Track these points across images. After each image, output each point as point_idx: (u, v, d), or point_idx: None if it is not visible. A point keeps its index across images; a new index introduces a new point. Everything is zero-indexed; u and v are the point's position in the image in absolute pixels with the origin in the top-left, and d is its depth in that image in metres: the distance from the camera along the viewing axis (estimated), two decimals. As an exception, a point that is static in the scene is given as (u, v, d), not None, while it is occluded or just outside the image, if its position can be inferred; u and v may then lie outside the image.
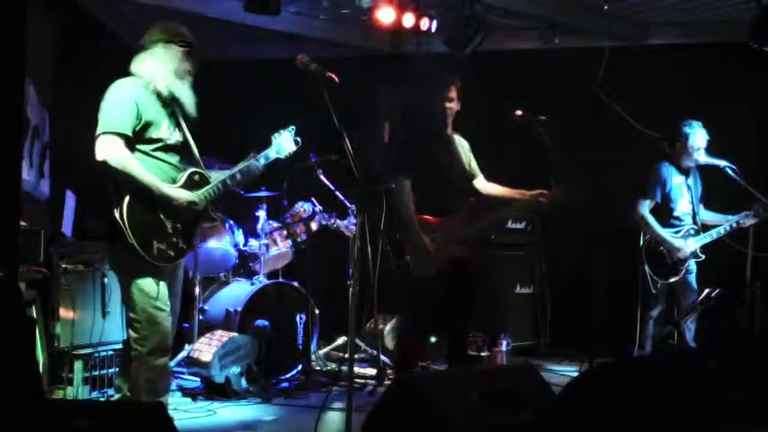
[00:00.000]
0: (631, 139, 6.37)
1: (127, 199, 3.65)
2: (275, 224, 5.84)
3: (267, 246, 5.76)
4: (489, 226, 4.95)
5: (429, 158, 4.76)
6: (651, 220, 5.64)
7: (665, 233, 5.62)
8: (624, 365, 3.48)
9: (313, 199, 5.83)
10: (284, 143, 4.11)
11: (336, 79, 3.75)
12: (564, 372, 5.97)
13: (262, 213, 5.80)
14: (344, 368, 4.87)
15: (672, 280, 5.63)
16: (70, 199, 5.10)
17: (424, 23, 6.35)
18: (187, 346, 5.30)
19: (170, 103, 3.85)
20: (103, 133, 3.67)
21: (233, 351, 5.05)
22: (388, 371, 5.62)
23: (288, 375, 5.48)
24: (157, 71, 3.80)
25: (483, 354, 6.17)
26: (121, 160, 3.66)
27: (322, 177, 5.83)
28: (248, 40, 6.94)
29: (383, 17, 6.25)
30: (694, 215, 5.72)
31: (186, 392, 5.04)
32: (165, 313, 3.77)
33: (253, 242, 5.77)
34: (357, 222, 4.09)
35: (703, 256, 5.67)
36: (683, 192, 5.70)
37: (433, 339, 6.16)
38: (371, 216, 4.94)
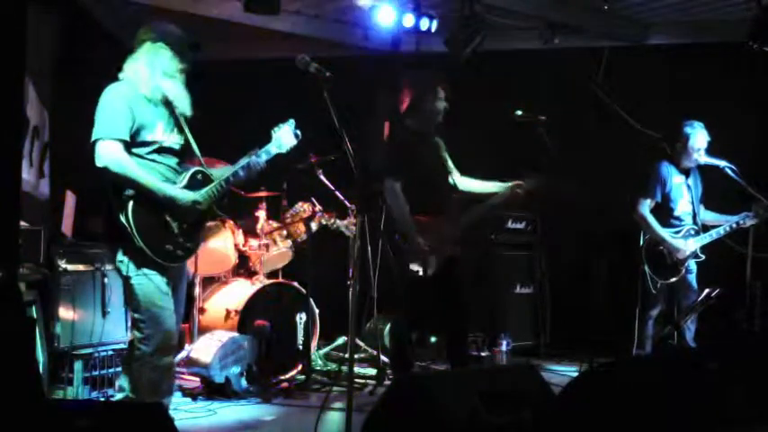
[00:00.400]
0: (631, 139, 6.39)
1: (131, 203, 3.65)
2: (275, 224, 5.84)
3: (267, 246, 5.76)
4: (476, 222, 4.94)
5: (417, 159, 4.77)
6: (651, 219, 5.64)
7: (666, 233, 5.62)
8: (624, 365, 3.48)
9: (313, 199, 5.82)
10: (284, 137, 4.09)
11: (336, 79, 3.75)
12: (564, 372, 5.97)
13: (262, 213, 5.80)
14: (344, 368, 4.87)
15: (672, 280, 5.62)
16: (70, 199, 5.09)
17: (424, 23, 6.35)
18: (187, 346, 5.30)
19: (164, 105, 3.85)
20: (101, 139, 3.67)
21: (233, 351, 5.05)
22: (388, 371, 5.62)
23: (288, 375, 5.48)
24: (142, 74, 3.79)
25: (483, 354, 6.17)
26: (122, 165, 3.65)
27: (322, 177, 5.83)
28: (248, 40, 6.94)
29: (383, 17, 6.26)
30: (694, 215, 5.71)
31: (186, 392, 5.04)
32: (169, 312, 3.78)
33: (253, 242, 5.77)
34: (357, 222, 4.08)
35: (703, 257, 5.67)
36: (683, 192, 5.70)
37: (432, 339, 6.16)
38: (371, 216, 4.94)
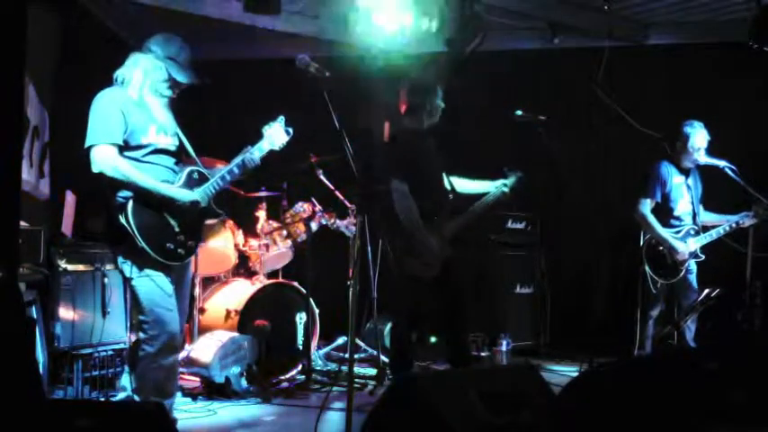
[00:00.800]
0: (631, 138, 6.38)
1: (130, 204, 3.67)
2: (275, 224, 5.84)
3: (267, 246, 5.76)
4: (472, 222, 4.95)
5: (418, 160, 4.76)
6: (652, 219, 5.64)
7: (666, 233, 5.62)
8: (624, 365, 3.48)
9: (313, 199, 5.82)
10: (275, 134, 4.12)
11: (336, 79, 3.76)
12: (564, 372, 5.97)
13: (262, 213, 5.80)
14: (344, 368, 4.87)
15: (672, 280, 5.62)
16: (70, 199, 5.09)
17: (424, 23, 6.34)
18: (187, 346, 5.30)
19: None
20: (95, 145, 3.71)
21: (233, 351, 5.05)
22: (388, 371, 5.62)
23: (288, 375, 5.48)
24: (135, 80, 3.82)
25: (483, 354, 6.17)
26: (118, 168, 3.70)
27: (322, 177, 5.83)
28: (248, 40, 6.93)
29: (383, 17, 6.24)
30: (694, 215, 5.72)
31: (186, 392, 5.03)
32: (172, 313, 3.79)
33: (253, 242, 5.77)
34: (357, 222, 4.08)
35: (703, 257, 5.67)
36: (683, 192, 5.70)
37: (432, 339, 6.16)
38: (371, 216, 4.93)
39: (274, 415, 4.71)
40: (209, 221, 5.14)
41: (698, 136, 5.63)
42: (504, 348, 6.10)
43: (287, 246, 5.85)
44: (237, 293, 5.59)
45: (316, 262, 5.56)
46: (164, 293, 3.77)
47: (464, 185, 5.03)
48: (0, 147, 3.31)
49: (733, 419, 3.03)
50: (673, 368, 3.22)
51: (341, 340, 6.24)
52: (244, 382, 5.07)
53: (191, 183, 3.90)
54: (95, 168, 3.71)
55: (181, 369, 5.13)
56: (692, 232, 5.68)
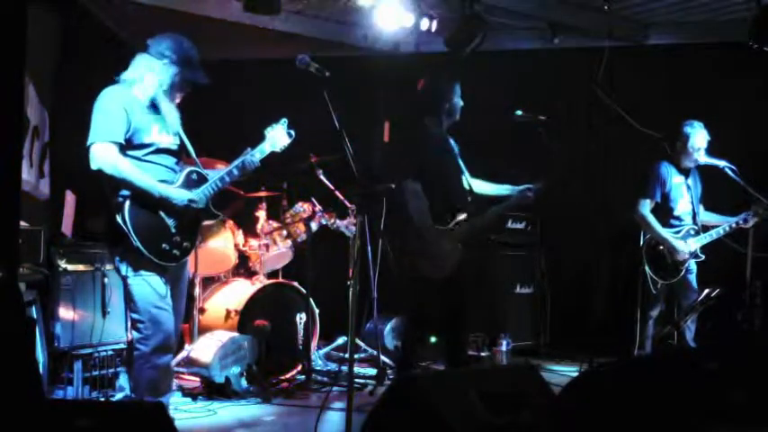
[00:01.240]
0: (631, 138, 6.38)
1: (127, 203, 3.68)
2: (275, 224, 5.84)
3: (267, 246, 5.77)
4: (489, 225, 4.93)
5: (436, 160, 4.73)
6: (652, 219, 5.63)
7: (666, 233, 5.62)
8: (624, 365, 3.48)
9: (313, 199, 5.82)
10: (277, 136, 4.12)
11: (336, 79, 3.76)
12: (564, 372, 5.97)
13: (262, 213, 5.80)
14: (344, 368, 4.87)
15: (672, 280, 5.62)
16: (70, 199, 5.09)
17: (424, 23, 6.34)
18: (187, 346, 5.30)
19: (157, 107, 3.87)
20: (95, 143, 3.70)
21: (233, 351, 5.05)
22: (388, 371, 5.62)
23: (288, 375, 5.48)
24: (147, 81, 3.82)
25: (483, 354, 6.17)
26: (117, 166, 3.69)
27: (322, 177, 5.83)
28: (248, 40, 6.93)
29: (383, 17, 6.25)
30: (694, 215, 5.71)
31: (186, 392, 5.04)
32: (167, 313, 3.79)
33: (253, 242, 5.77)
34: (357, 222, 4.08)
35: (703, 257, 5.66)
36: (682, 192, 5.70)
37: (432, 339, 6.16)
38: (372, 216, 4.93)
39: (274, 415, 4.71)
40: (206, 222, 5.16)
41: (698, 136, 5.63)
42: (504, 348, 6.10)
43: (287, 246, 5.85)
44: (237, 293, 5.59)
45: (316, 262, 5.56)
46: (158, 294, 3.77)
47: (484, 187, 4.99)
48: (0, 147, 3.31)
49: (733, 419, 3.03)
50: (673, 368, 3.22)
51: (341, 340, 6.24)
52: (244, 382, 5.07)
53: (189, 183, 3.90)
54: (94, 165, 3.71)
55: (181, 369, 5.15)
56: (692, 232, 5.68)
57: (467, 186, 4.90)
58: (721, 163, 5.59)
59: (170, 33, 3.94)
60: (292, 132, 4.16)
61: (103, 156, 3.69)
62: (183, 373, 5.21)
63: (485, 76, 6.61)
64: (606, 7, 6.31)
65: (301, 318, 5.56)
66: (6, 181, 3.34)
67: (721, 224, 5.68)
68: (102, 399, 4.68)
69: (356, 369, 5.65)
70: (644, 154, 5.98)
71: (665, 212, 5.68)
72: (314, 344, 5.74)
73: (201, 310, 5.57)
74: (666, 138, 5.82)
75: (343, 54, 6.98)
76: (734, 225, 5.63)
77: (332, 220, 5.77)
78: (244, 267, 5.96)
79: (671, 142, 5.74)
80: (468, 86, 4.98)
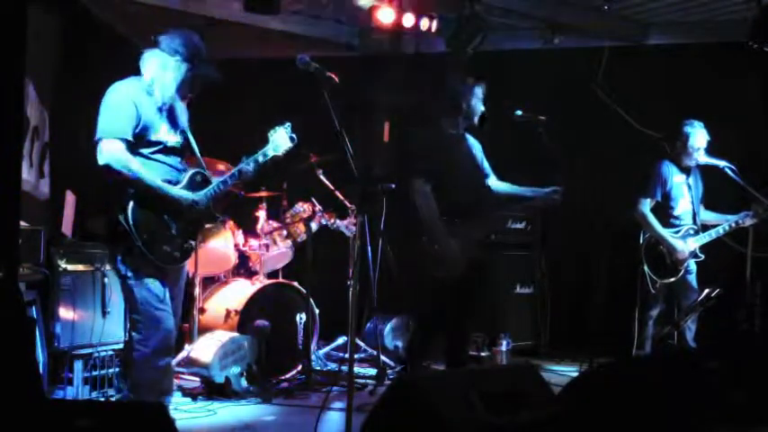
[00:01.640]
0: (631, 138, 6.38)
1: (131, 203, 3.65)
2: (275, 224, 5.84)
3: (267, 246, 5.77)
4: (502, 225, 4.92)
5: (451, 160, 4.72)
6: (651, 218, 5.63)
7: (665, 232, 5.62)
8: (624, 365, 3.48)
9: (313, 199, 5.83)
10: (280, 140, 4.10)
11: (336, 79, 3.75)
12: (564, 372, 5.97)
13: (262, 213, 5.80)
14: (344, 368, 4.87)
15: (671, 280, 5.62)
16: (70, 199, 5.09)
17: (424, 23, 6.35)
18: (187, 346, 5.30)
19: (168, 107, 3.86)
20: (103, 138, 3.67)
21: (233, 351, 5.05)
22: (388, 371, 5.62)
23: (288, 375, 5.48)
24: (161, 77, 3.79)
25: (483, 354, 6.17)
26: (124, 163, 3.65)
27: (322, 177, 5.83)
28: (248, 40, 6.94)
29: (383, 17, 6.25)
30: (694, 215, 5.71)
31: (186, 392, 5.04)
32: (167, 314, 3.78)
33: (253, 242, 5.77)
34: (357, 222, 4.08)
35: (703, 256, 5.66)
36: (683, 191, 5.70)
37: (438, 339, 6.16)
38: (372, 216, 4.93)
39: (274, 415, 4.71)
40: (207, 225, 5.15)
41: (698, 136, 5.62)
42: (504, 348, 6.09)
43: (287, 246, 5.85)
44: (237, 293, 5.59)
45: (316, 262, 5.56)
46: (158, 296, 3.76)
47: (504, 188, 4.96)
48: (0, 147, 3.32)
49: (733, 419, 3.03)
50: (673, 368, 3.22)
51: (341, 340, 6.24)
52: (244, 382, 5.07)
53: (193, 185, 3.89)
54: (102, 161, 3.66)
55: (181, 369, 5.15)
56: (692, 232, 5.67)
57: (485, 188, 4.87)
58: (721, 163, 5.59)
59: (180, 29, 3.89)
60: (295, 137, 4.13)
61: (112, 152, 3.64)
62: (183, 373, 5.21)
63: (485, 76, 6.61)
64: (606, 7, 6.32)
65: (301, 318, 5.56)
66: (6, 181, 3.35)
67: (721, 223, 5.68)
68: (102, 399, 4.68)
69: (356, 369, 5.65)
70: (644, 154, 5.98)
71: (665, 212, 5.68)
72: (314, 344, 5.74)
73: (201, 310, 5.57)
74: (666, 137, 5.82)
75: (343, 54, 6.99)
76: (733, 224, 5.63)
77: (332, 220, 5.77)
78: (244, 267, 5.95)
79: (671, 142, 5.74)
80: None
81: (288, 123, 4.14)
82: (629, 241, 5.78)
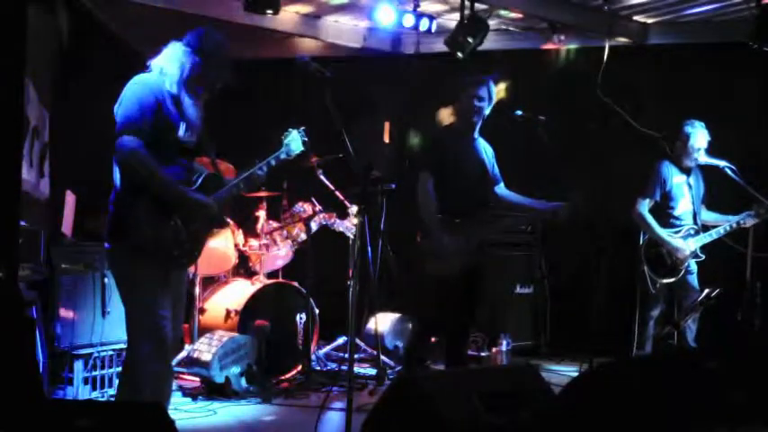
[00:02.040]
0: (631, 138, 6.38)
1: (143, 206, 3.55)
2: (275, 224, 5.84)
3: (267, 246, 5.77)
4: (502, 231, 4.93)
5: (451, 158, 4.72)
6: (650, 219, 5.63)
7: (663, 233, 5.61)
8: (624, 365, 3.48)
9: (313, 199, 5.83)
10: (293, 144, 4.03)
11: (336, 79, 3.75)
12: (564, 372, 5.98)
13: (262, 213, 5.80)
14: (344, 368, 4.87)
15: (671, 280, 5.62)
16: (70, 199, 5.09)
17: (424, 24, 6.34)
18: (187, 346, 5.31)
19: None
20: (124, 132, 3.53)
21: (233, 351, 5.05)
22: (388, 371, 5.62)
23: (288, 375, 5.48)
24: (168, 65, 3.67)
25: (483, 354, 6.17)
26: (142, 161, 3.52)
27: (322, 177, 5.83)
28: (248, 40, 6.94)
29: (383, 17, 6.25)
30: (695, 215, 5.70)
31: (186, 392, 5.04)
32: (165, 319, 3.72)
33: (253, 242, 5.77)
34: (357, 222, 4.07)
35: (703, 256, 5.66)
36: (683, 191, 5.69)
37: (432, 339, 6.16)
38: (372, 216, 4.93)
39: (274, 415, 4.72)
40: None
41: (698, 136, 5.62)
42: (504, 348, 6.09)
43: (287, 246, 5.86)
44: (237, 293, 5.59)
45: (316, 262, 5.56)
46: (158, 297, 3.71)
47: (510, 196, 4.96)
48: (0, 147, 3.32)
49: (733, 419, 3.03)
50: (673, 368, 3.22)
51: (341, 340, 6.24)
52: (244, 382, 5.07)
53: (207, 188, 3.78)
54: (119, 157, 3.54)
55: (181, 369, 5.15)
56: (692, 232, 5.67)
57: (490, 193, 4.87)
58: (721, 163, 5.59)
59: (208, 27, 3.79)
60: (307, 141, 4.09)
61: (132, 147, 3.51)
62: (183, 373, 5.21)
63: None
64: (606, 7, 6.31)
65: (301, 318, 5.56)
66: (6, 181, 3.35)
67: (722, 224, 5.68)
68: (102, 399, 4.69)
69: (356, 369, 5.65)
70: (644, 154, 5.98)
71: (665, 212, 5.67)
72: (314, 344, 5.74)
73: (201, 310, 5.57)
74: (666, 138, 5.82)
75: (343, 54, 6.99)
76: (734, 225, 5.63)
77: (332, 220, 5.77)
78: (244, 267, 5.96)
79: (671, 142, 5.74)
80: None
81: (302, 128, 4.08)
82: (629, 241, 5.78)
